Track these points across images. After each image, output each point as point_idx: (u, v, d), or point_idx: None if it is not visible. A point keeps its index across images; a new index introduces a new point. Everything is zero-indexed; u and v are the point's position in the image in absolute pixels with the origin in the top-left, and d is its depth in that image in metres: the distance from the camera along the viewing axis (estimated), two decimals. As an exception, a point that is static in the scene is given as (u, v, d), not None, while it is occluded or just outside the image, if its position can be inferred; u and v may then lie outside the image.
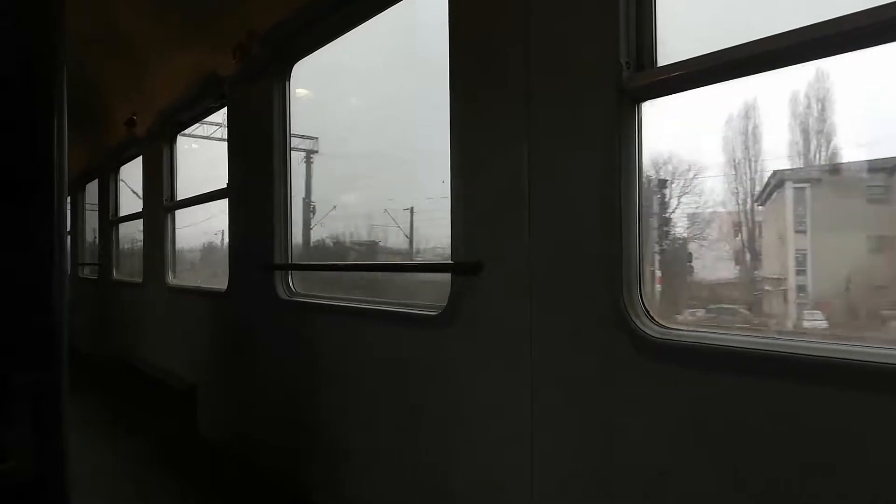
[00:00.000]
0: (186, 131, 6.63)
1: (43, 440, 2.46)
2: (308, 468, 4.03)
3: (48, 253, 2.41)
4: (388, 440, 3.31)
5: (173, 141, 6.62)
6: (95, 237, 10.22)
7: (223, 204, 5.15)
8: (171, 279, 6.54)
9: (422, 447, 3.07)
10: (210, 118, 6.25)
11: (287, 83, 4.31)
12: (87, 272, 10.49)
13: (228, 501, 4.55)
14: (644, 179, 2.22)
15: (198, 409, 5.61)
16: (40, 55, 2.43)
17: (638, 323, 2.12)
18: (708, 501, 1.94)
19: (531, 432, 2.48)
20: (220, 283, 5.25)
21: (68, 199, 11.20)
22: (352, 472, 3.61)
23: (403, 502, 3.21)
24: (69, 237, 10.99)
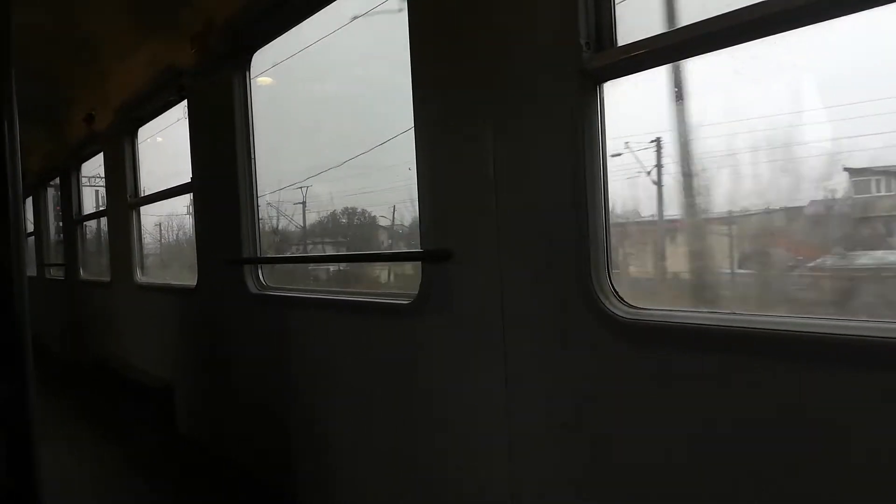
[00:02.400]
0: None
1: (12, 450, 2.41)
2: (287, 462, 4.01)
3: (6, 259, 2.34)
4: (365, 430, 3.31)
5: (134, 136, 6.49)
6: (60, 236, 10.02)
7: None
8: (140, 277, 6.44)
9: (398, 435, 3.07)
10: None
11: (247, 73, 4.24)
12: (53, 273, 10.29)
13: (208, 500, 4.53)
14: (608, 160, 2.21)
15: (175, 407, 5.55)
16: None
17: (607, 304, 2.13)
18: (684, 480, 1.97)
19: (507, 417, 2.49)
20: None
21: (30, 199, 10.95)
22: (330, 464, 3.61)
23: (383, 491, 3.21)
24: (33, 238, 10.77)
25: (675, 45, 1.97)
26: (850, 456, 1.62)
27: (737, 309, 1.94)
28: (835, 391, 1.63)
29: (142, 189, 6.53)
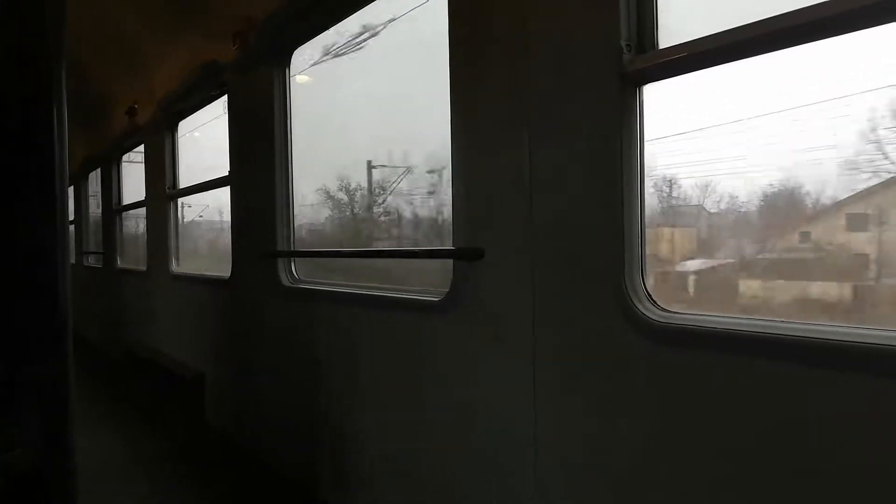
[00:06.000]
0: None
1: (50, 432, 2.48)
2: (313, 454, 4.05)
3: (51, 247, 2.41)
4: (392, 425, 3.33)
5: (174, 129, 6.61)
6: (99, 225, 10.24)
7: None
8: (175, 267, 6.56)
9: (425, 431, 3.08)
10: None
11: (287, 70, 4.29)
12: (91, 261, 10.53)
13: (235, 489, 4.60)
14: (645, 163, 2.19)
15: (205, 397, 5.64)
16: (38, 47, 2.42)
17: (640, 307, 2.12)
18: (710, 483, 1.95)
19: (534, 417, 2.49)
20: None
21: (72, 188, 11.22)
22: (356, 458, 3.64)
23: (407, 486, 3.23)
24: (74, 226, 11.03)
25: (718, 49, 1.94)
26: (888, 464, 1.59)
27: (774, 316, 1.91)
28: (876, 400, 1.60)
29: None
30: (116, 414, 6.72)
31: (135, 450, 5.57)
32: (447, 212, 3.25)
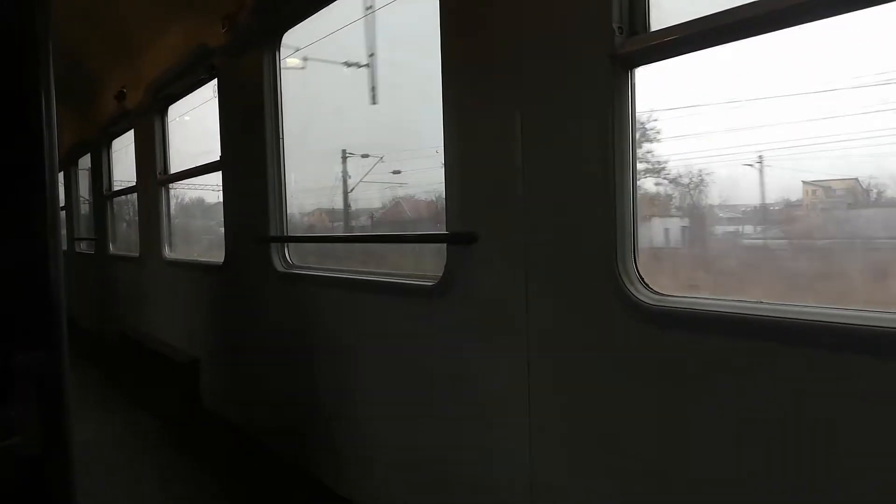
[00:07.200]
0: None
1: (46, 417, 2.49)
2: (307, 438, 4.08)
3: (42, 231, 2.40)
4: (385, 408, 3.35)
5: (164, 114, 6.56)
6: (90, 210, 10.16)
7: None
8: (168, 253, 6.54)
9: (418, 416, 3.10)
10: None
11: (277, 53, 4.26)
12: (83, 247, 10.47)
13: (231, 472, 4.63)
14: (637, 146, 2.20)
15: (200, 381, 5.66)
16: (25, 30, 2.39)
17: (632, 290, 2.13)
18: (703, 463, 1.98)
19: (528, 400, 2.51)
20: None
21: (61, 173, 11.11)
22: (349, 439, 3.66)
23: (400, 467, 3.26)
24: (63, 212, 10.96)
25: (709, 31, 1.94)
26: (878, 444, 1.62)
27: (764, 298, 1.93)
28: (863, 380, 1.63)
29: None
30: (113, 398, 6.73)
31: (132, 433, 5.60)
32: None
